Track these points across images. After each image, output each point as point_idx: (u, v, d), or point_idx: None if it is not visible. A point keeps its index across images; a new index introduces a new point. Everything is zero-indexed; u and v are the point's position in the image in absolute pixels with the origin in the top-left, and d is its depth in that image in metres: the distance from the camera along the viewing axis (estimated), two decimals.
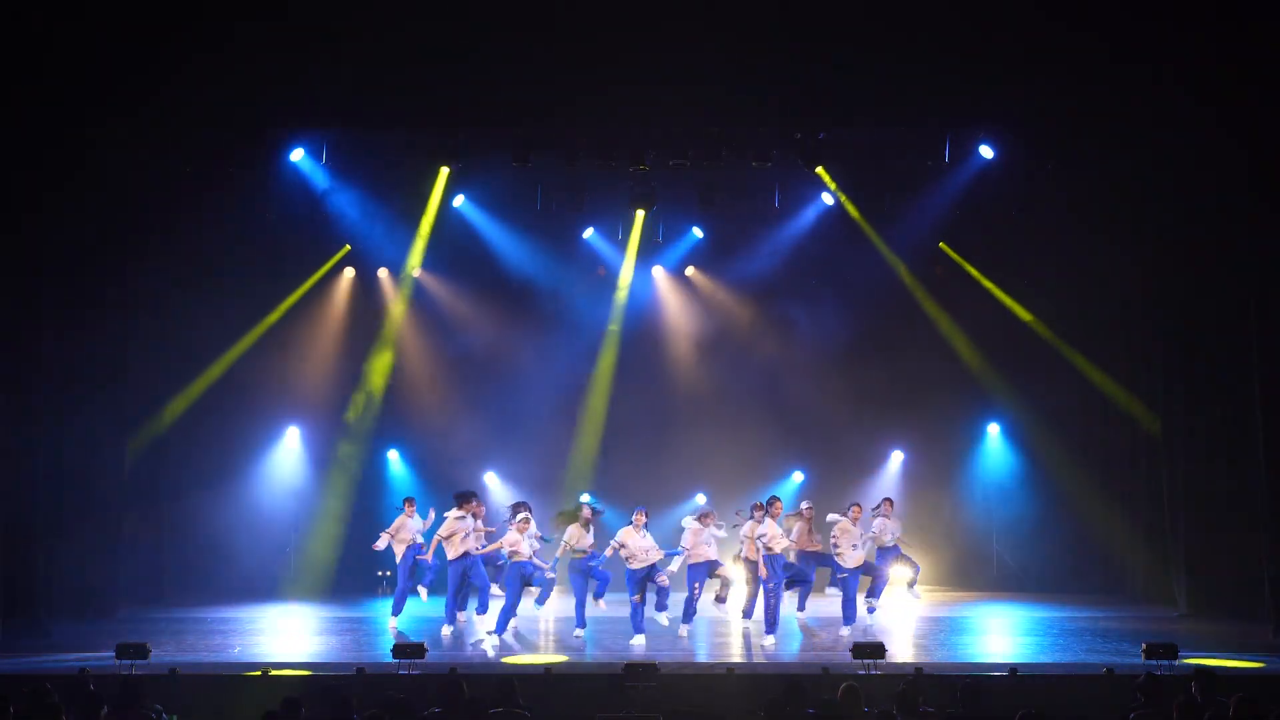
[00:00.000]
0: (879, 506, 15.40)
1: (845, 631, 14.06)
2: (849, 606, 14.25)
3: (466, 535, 14.12)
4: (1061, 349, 18.61)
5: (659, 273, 19.88)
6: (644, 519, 13.86)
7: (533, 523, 14.36)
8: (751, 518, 14.32)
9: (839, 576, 14.42)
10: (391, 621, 14.78)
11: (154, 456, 17.38)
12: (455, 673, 10.50)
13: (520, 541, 13.79)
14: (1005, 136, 16.47)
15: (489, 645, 13.41)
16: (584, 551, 13.94)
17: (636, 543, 13.64)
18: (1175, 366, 16.53)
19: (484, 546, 14.18)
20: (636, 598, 13.57)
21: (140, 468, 16.95)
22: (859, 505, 14.84)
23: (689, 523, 14.18)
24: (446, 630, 14.07)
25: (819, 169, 17.05)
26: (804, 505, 15.19)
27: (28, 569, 14.11)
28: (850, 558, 14.33)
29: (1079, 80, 14.41)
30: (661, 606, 13.84)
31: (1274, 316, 14.40)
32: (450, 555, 14.06)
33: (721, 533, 14.15)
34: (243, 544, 18.38)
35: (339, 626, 15.17)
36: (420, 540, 14.96)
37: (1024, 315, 18.84)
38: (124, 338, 16.23)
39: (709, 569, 14.00)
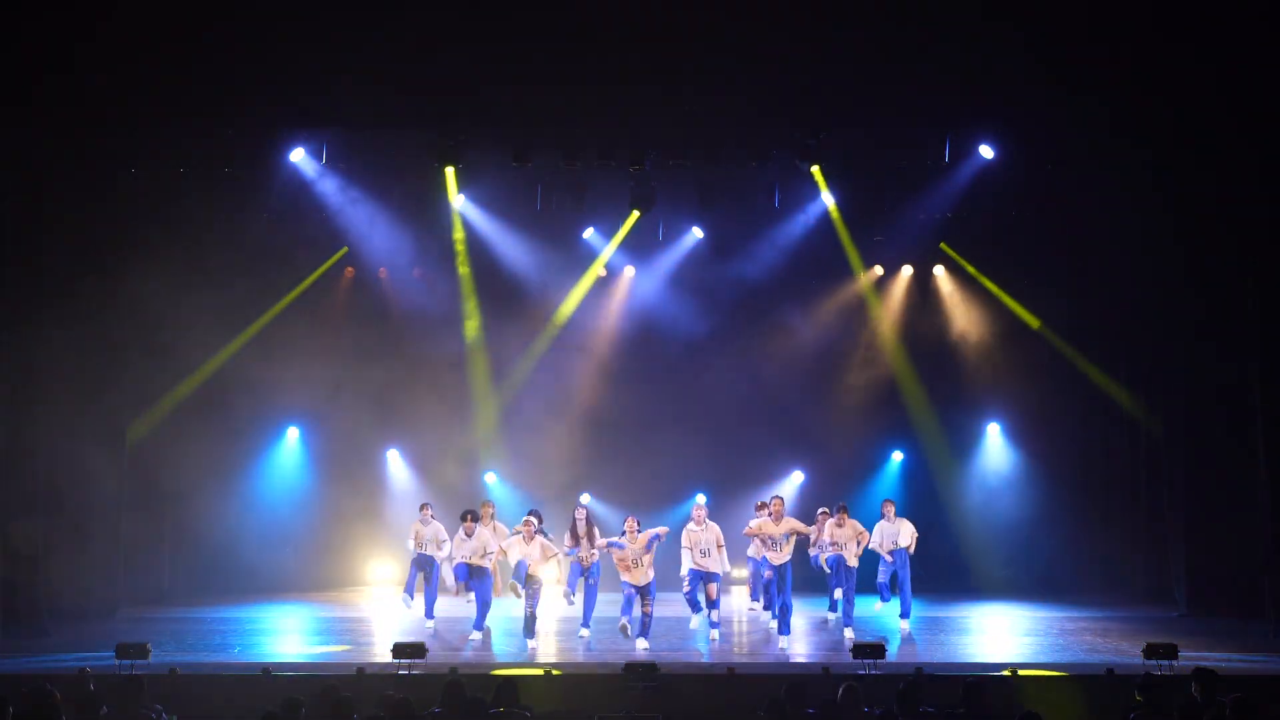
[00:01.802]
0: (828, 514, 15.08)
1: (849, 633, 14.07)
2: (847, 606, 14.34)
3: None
4: (1061, 349, 18.60)
5: (659, 272, 19.87)
6: (635, 525, 13.64)
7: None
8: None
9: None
10: (428, 623, 14.86)
11: (154, 457, 17.36)
12: (455, 673, 10.50)
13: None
14: (1005, 136, 16.45)
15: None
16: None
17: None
18: (1175, 366, 16.53)
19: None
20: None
21: (140, 468, 16.94)
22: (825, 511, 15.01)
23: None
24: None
25: (814, 168, 17.03)
26: (820, 511, 15.20)
27: (28, 570, 14.09)
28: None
29: (1079, 80, 14.40)
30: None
31: (1275, 317, 14.39)
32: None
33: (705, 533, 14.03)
34: (243, 544, 18.37)
35: (339, 626, 15.17)
36: (428, 550, 14.97)
37: (1023, 314, 18.85)
38: (123, 338, 16.21)
39: (704, 579, 13.98)
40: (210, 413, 18.18)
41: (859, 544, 14.36)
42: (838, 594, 14.56)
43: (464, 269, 19.08)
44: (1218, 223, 15.32)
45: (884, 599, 14.86)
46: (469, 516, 14.06)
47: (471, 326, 19.40)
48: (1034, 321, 18.83)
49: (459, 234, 18.67)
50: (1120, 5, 13.83)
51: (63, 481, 14.92)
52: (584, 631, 13.92)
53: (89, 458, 15.37)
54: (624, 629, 13.15)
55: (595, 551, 14.07)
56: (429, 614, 14.91)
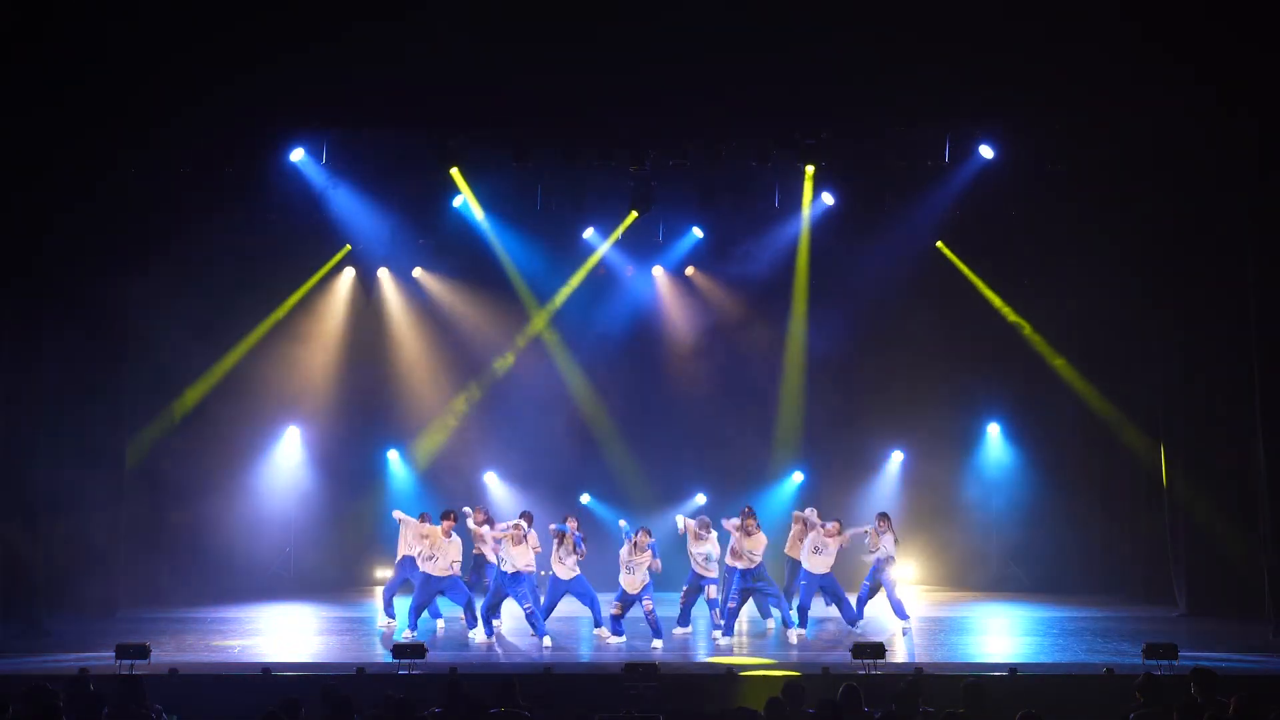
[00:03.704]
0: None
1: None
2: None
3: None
4: (1048, 358, 18.60)
5: (659, 272, 19.86)
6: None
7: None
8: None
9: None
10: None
11: (154, 456, 17.33)
12: (455, 673, 10.51)
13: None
14: (1005, 137, 16.42)
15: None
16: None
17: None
18: (1175, 366, 16.51)
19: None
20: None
21: (140, 467, 16.92)
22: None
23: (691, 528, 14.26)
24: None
25: (808, 169, 17.01)
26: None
27: (28, 569, 14.09)
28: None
29: (1079, 80, 14.38)
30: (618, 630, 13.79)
31: (1275, 317, 14.39)
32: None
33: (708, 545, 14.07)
34: (243, 544, 18.36)
35: (339, 626, 15.17)
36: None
37: (1013, 317, 18.85)
38: (124, 338, 16.19)
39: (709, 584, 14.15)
40: (210, 412, 18.15)
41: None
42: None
43: (520, 287, 19.11)
44: (1218, 221, 15.30)
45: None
46: (451, 515, 14.11)
47: (539, 322, 19.41)
48: (1025, 325, 18.81)
49: (493, 238, 18.69)
50: (1121, 5, 13.81)
51: (64, 480, 14.90)
52: (599, 631, 13.97)
53: (90, 457, 15.37)
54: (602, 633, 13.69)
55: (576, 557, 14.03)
56: (434, 613, 14.98)
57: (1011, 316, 18.86)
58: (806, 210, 18.09)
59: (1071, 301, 18.37)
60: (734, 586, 14.05)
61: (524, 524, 13.94)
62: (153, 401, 17.36)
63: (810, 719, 8.37)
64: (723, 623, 14.02)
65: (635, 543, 13.63)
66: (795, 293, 19.17)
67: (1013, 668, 11.11)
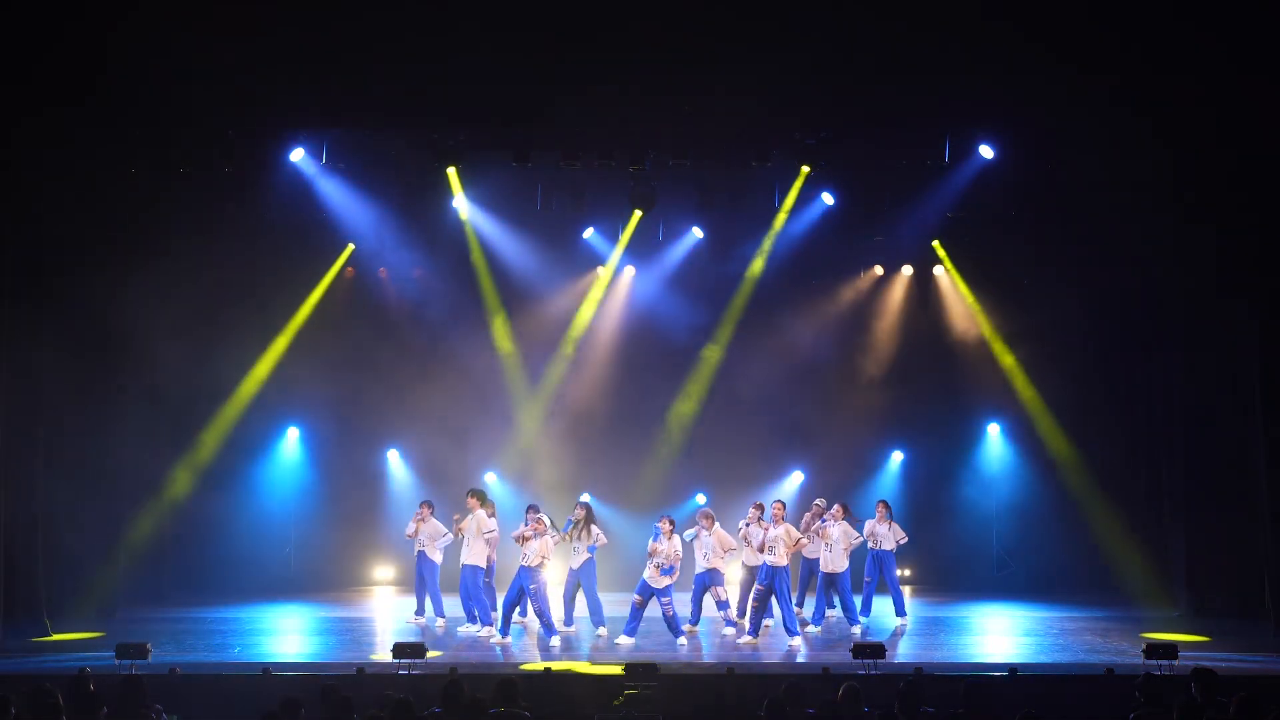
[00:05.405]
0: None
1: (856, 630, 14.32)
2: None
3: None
4: (1012, 376, 18.68)
5: (659, 272, 19.85)
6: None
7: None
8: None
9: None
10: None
11: (153, 456, 17.29)
12: (455, 673, 10.50)
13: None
14: (1005, 136, 16.40)
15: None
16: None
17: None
18: (1176, 363, 16.51)
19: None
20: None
21: (140, 467, 16.90)
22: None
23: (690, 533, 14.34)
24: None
25: (803, 168, 17.00)
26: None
27: (29, 569, 14.10)
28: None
29: (1080, 80, 14.37)
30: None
31: (1275, 317, 14.39)
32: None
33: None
34: (243, 544, 18.35)
35: (339, 626, 15.18)
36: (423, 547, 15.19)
37: (986, 328, 18.90)
38: (123, 339, 16.12)
39: (709, 579, 14.23)
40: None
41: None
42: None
43: (485, 279, 19.09)
44: (1218, 220, 15.28)
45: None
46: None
47: (499, 328, 19.41)
48: (995, 340, 18.87)
49: (474, 241, 18.68)
50: (1122, 4, 13.80)
51: (65, 480, 14.88)
52: (601, 630, 14.00)
53: (91, 457, 15.36)
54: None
55: (586, 544, 14.16)
56: (439, 612, 15.04)
57: (986, 327, 18.90)
58: (788, 207, 18.01)
59: (1071, 300, 18.33)
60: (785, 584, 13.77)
61: (545, 519, 14.03)
62: (153, 400, 17.31)
63: (810, 719, 8.37)
64: (745, 623, 14.08)
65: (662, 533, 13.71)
66: (743, 286, 19.27)
67: (1013, 668, 11.10)
